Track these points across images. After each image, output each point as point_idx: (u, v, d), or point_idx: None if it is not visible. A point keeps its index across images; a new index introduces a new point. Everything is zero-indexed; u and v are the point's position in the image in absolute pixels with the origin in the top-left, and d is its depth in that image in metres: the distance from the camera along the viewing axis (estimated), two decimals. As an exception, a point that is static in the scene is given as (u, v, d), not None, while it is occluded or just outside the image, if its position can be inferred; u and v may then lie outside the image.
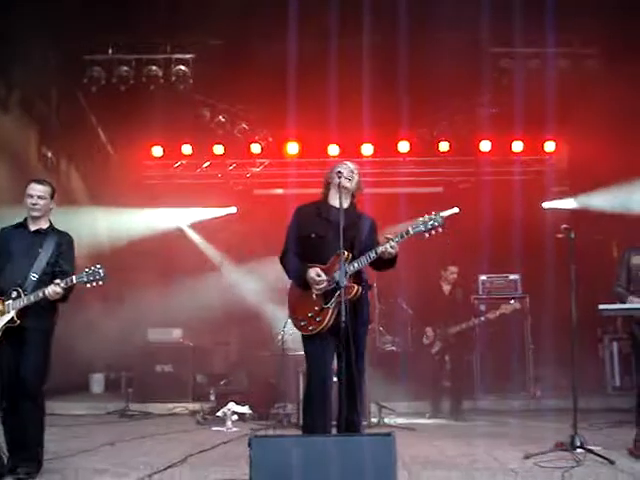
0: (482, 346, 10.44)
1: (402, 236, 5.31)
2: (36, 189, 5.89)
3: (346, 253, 5.33)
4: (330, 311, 5.31)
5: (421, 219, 5.31)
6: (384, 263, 5.46)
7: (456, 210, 5.36)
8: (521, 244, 11.29)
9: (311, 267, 5.42)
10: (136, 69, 10.73)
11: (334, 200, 5.57)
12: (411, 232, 5.31)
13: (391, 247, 5.28)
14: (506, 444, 7.22)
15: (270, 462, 4.37)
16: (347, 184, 5.53)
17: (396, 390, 9.89)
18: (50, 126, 11.20)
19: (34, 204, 5.87)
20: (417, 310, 10.59)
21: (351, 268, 5.35)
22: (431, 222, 5.28)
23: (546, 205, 13.35)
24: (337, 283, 5.21)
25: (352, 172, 5.58)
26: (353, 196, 5.65)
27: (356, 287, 5.38)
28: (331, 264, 5.40)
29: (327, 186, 5.71)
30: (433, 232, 5.30)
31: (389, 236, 5.32)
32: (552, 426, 8.07)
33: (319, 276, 5.35)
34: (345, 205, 5.44)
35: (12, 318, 5.61)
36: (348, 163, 5.70)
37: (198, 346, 10.98)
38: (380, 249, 5.31)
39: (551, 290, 9.95)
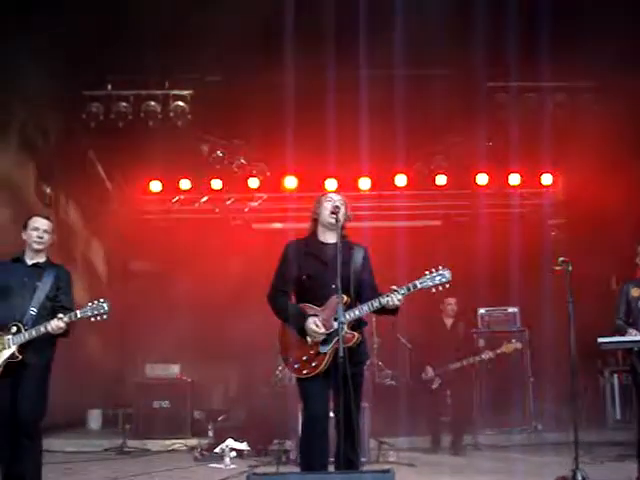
0: (482, 380, 10.37)
1: (409, 289, 5.23)
2: (43, 223, 5.94)
3: (345, 297, 5.21)
4: (327, 357, 5.23)
5: (428, 274, 5.27)
6: (386, 312, 5.38)
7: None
8: (519, 277, 11.27)
9: (308, 311, 5.32)
10: (134, 105, 10.81)
11: (322, 235, 5.55)
12: (418, 286, 5.25)
13: (398, 300, 5.20)
14: None
15: (268, 499, 4.33)
16: (333, 220, 5.39)
17: (395, 425, 9.80)
18: (48, 162, 11.23)
19: (40, 237, 5.89)
20: (417, 345, 10.52)
21: (351, 315, 5.26)
22: (439, 278, 5.25)
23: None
24: (338, 328, 5.06)
25: (338, 207, 5.42)
26: (343, 227, 5.44)
27: (356, 336, 5.29)
28: (328, 307, 5.31)
29: (314, 222, 5.62)
30: (440, 288, 5.27)
31: (395, 287, 5.23)
32: (553, 460, 8.00)
33: (317, 326, 5.24)
34: (335, 240, 5.36)
35: (13, 353, 5.59)
36: (333, 195, 5.60)
37: (196, 382, 10.90)
38: (385, 300, 5.22)
39: (550, 322, 9.92)
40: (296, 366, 5.33)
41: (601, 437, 9.66)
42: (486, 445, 9.75)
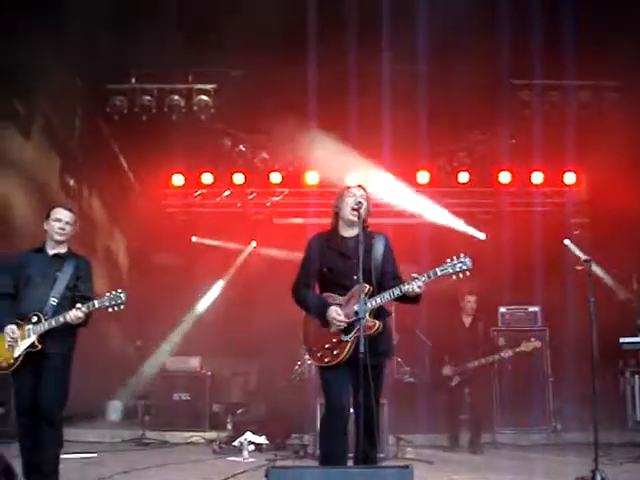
0: (501, 378, 10.31)
1: (429, 276, 5.21)
2: (65, 215, 5.96)
3: (367, 287, 5.23)
4: (349, 345, 5.23)
5: (449, 261, 5.25)
6: (408, 300, 5.37)
7: (482, 236, 5.29)
8: (541, 275, 11.20)
9: (330, 302, 5.35)
10: (158, 99, 10.89)
11: (344, 230, 5.55)
12: (439, 273, 5.23)
13: (418, 287, 5.19)
14: (525, 479, 7.12)
15: (286, 492, 4.34)
16: (354, 218, 5.38)
17: (414, 422, 9.78)
18: (72, 154, 11.31)
19: (62, 229, 5.91)
20: (436, 342, 10.48)
21: (373, 303, 5.27)
22: (459, 265, 5.22)
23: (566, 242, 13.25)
24: (357, 314, 5.14)
25: (360, 203, 5.40)
26: (364, 220, 5.45)
27: (377, 323, 5.29)
28: (350, 296, 5.32)
29: (335, 216, 5.62)
30: (461, 275, 5.24)
31: (415, 275, 5.23)
32: (572, 460, 7.96)
33: (339, 315, 5.26)
34: (355, 232, 5.37)
35: (33, 343, 5.64)
36: (355, 190, 5.55)
37: (216, 375, 10.94)
38: (405, 287, 5.22)
39: (571, 322, 9.86)
40: (319, 355, 5.35)
41: (621, 438, 9.59)
42: (505, 444, 9.70)
